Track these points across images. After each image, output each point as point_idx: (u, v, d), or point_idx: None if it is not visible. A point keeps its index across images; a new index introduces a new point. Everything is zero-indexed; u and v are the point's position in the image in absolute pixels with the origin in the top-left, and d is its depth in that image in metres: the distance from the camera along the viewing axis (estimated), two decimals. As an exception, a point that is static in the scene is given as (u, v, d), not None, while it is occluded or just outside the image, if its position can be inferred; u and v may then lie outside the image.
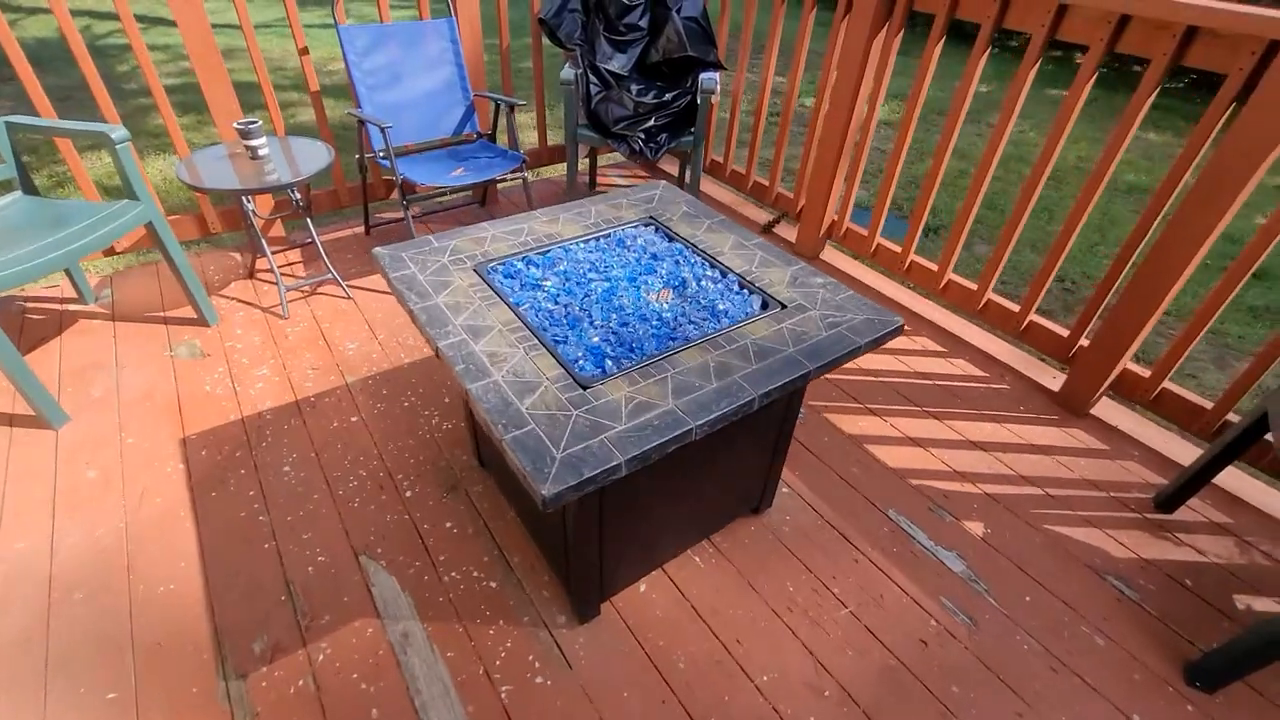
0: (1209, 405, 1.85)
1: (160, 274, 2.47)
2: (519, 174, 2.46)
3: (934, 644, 1.41)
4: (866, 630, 1.43)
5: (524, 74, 5.62)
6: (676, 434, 0.98)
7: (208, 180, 2.02)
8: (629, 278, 1.37)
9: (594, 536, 1.24)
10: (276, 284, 2.37)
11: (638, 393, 1.06)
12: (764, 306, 1.30)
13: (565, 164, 2.83)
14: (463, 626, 1.39)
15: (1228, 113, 1.61)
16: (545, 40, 2.78)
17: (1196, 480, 1.70)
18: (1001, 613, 1.48)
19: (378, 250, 1.39)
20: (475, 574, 1.50)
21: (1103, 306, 2.00)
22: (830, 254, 2.83)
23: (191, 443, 1.80)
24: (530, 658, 1.35)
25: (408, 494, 1.68)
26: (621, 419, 1.00)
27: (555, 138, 3.18)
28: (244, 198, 2.17)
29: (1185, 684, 1.37)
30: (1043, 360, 2.28)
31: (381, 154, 2.37)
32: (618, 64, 2.68)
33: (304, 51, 2.42)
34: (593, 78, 2.61)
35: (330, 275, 2.37)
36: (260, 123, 2.13)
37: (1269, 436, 1.57)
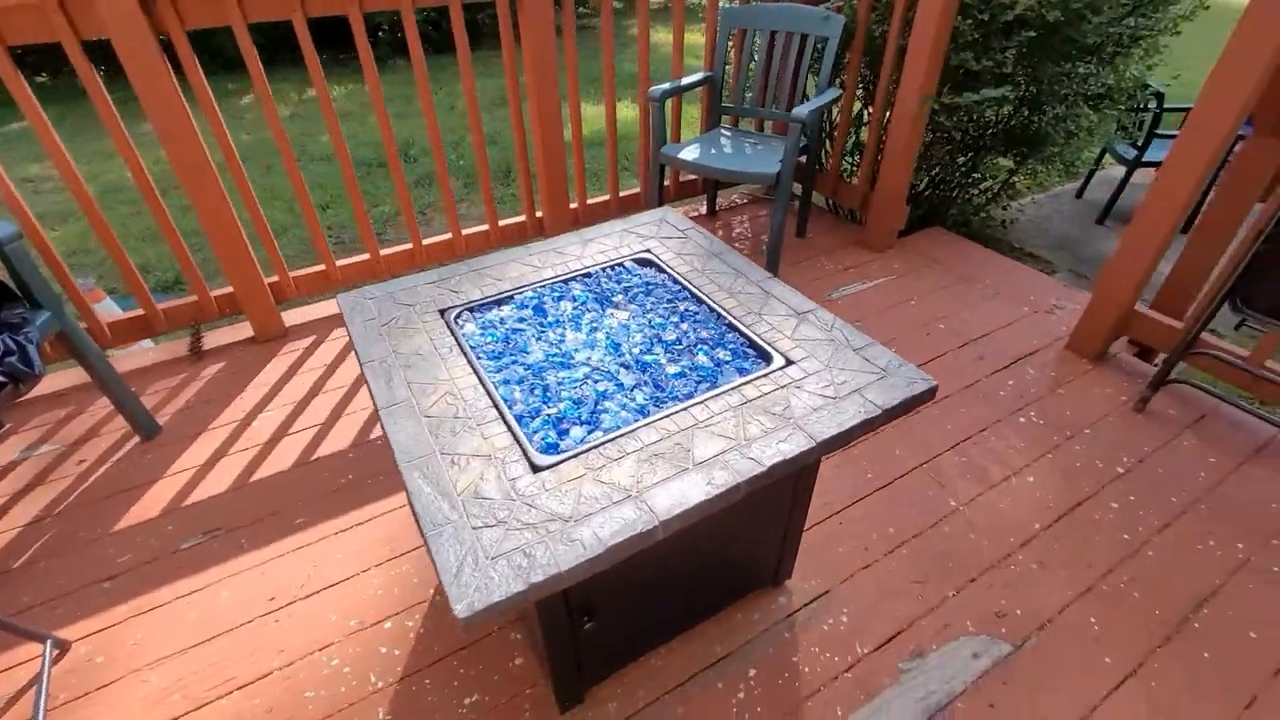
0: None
1: None
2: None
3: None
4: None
5: None
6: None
7: None
8: (586, 329, 1.16)
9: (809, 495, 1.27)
10: None
11: (797, 344, 1.13)
12: (650, 264, 1.37)
13: None
14: None
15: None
16: None
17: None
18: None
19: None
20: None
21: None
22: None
23: None
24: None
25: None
26: (819, 366, 1.10)
27: None
28: None
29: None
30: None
31: None
32: None
33: None
34: None
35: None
36: None
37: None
